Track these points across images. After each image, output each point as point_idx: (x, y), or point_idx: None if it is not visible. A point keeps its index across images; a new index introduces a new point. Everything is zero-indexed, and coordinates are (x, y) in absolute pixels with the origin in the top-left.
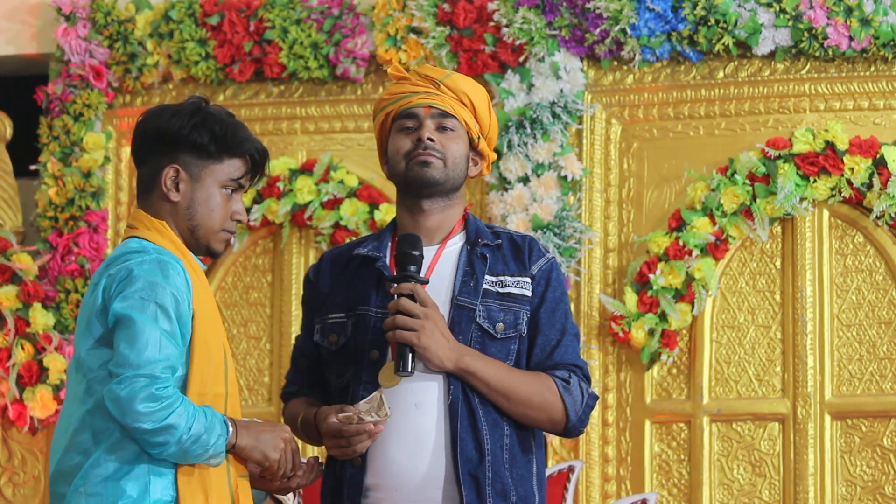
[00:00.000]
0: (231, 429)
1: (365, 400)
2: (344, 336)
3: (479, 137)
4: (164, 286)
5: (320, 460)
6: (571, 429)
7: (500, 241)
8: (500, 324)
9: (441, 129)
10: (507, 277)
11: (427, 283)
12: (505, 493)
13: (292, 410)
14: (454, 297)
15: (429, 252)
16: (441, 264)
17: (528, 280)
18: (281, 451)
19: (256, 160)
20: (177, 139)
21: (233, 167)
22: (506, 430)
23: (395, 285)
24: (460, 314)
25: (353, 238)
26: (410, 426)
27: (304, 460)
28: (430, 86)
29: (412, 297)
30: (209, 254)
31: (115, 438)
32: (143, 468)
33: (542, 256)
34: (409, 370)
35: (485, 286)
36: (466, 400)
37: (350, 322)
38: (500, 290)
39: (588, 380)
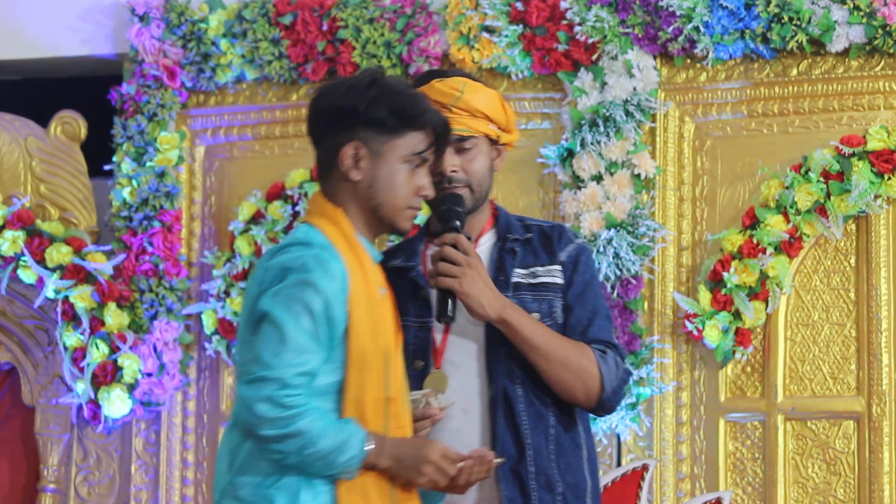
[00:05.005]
0: (369, 448)
1: (421, 392)
2: None
3: (498, 136)
4: (315, 286)
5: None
6: (605, 401)
7: (530, 234)
8: (535, 313)
9: (461, 151)
10: (538, 268)
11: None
12: (550, 485)
13: None
14: None
15: None
16: None
17: (559, 268)
18: (427, 474)
19: (438, 132)
20: (354, 115)
21: (414, 140)
22: (551, 420)
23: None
24: None
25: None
26: (457, 430)
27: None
28: (442, 110)
29: (455, 246)
30: (395, 232)
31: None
32: (293, 479)
33: (570, 243)
34: (451, 315)
35: (516, 279)
36: (506, 398)
37: None
38: (533, 282)
39: (624, 359)
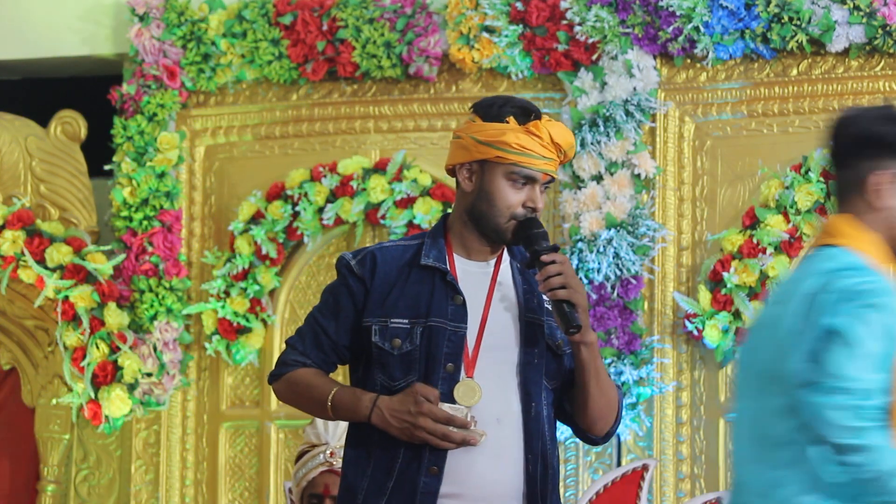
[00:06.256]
0: None
1: (465, 408)
2: (409, 343)
3: None
4: (885, 310)
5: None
6: (611, 433)
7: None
8: (560, 341)
9: (542, 191)
10: None
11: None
12: None
13: (309, 378)
14: (523, 312)
15: (486, 268)
16: (502, 280)
17: None
18: None
19: None
20: (890, 146)
21: None
22: (549, 445)
23: (545, 255)
24: (530, 329)
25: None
26: (492, 439)
27: None
28: (554, 153)
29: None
30: None
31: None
32: None
33: None
34: (580, 323)
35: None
36: (539, 420)
37: (418, 331)
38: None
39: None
